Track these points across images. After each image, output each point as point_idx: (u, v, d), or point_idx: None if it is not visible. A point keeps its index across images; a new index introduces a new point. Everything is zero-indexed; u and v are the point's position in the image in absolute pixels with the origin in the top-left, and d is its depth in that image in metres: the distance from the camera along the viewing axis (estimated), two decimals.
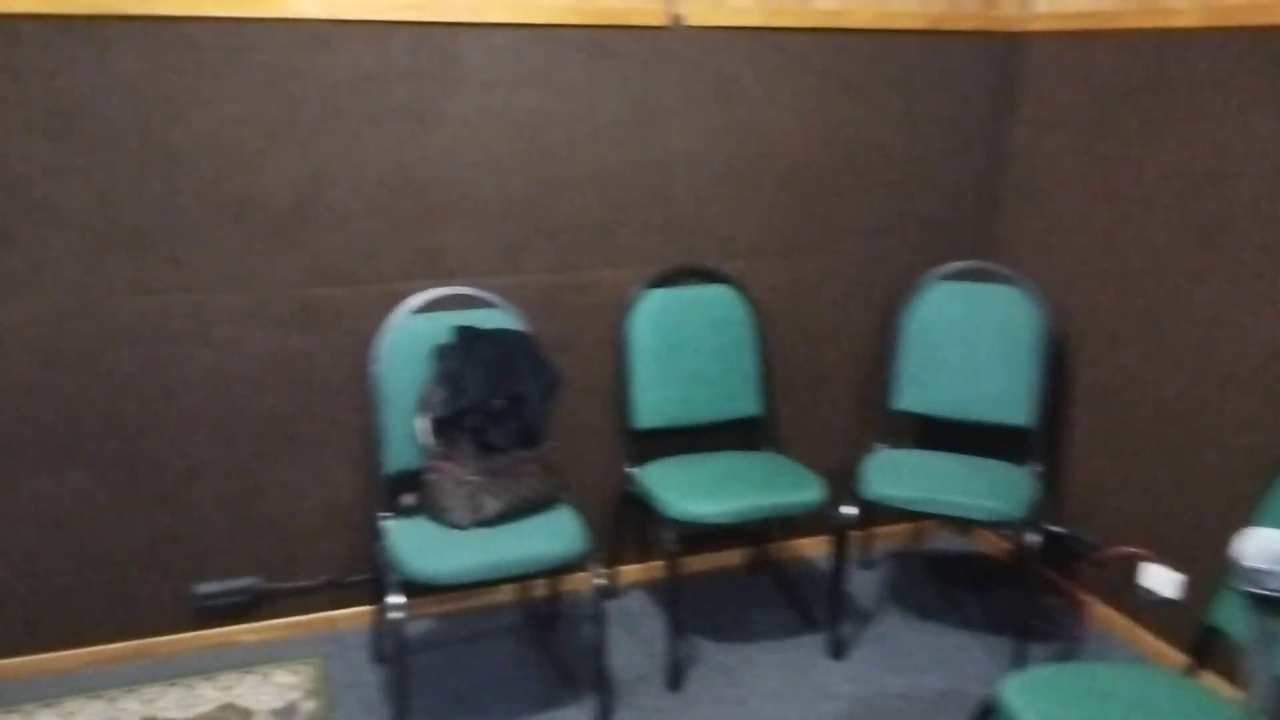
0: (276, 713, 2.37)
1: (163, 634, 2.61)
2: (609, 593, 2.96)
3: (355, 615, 2.76)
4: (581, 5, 2.55)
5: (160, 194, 2.37)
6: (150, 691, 2.44)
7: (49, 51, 2.22)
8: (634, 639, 2.73)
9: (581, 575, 2.93)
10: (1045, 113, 2.90)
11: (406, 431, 2.49)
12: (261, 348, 2.52)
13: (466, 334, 2.47)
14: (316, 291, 2.52)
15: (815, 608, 2.90)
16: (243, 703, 2.40)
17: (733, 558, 3.14)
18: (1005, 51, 2.96)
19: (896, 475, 2.64)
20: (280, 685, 2.48)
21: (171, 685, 2.47)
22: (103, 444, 2.46)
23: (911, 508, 2.55)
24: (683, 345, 2.79)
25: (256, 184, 2.43)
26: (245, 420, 2.55)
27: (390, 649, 2.63)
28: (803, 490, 2.54)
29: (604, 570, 2.95)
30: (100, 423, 2.44)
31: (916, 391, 2.91)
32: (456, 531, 2.33)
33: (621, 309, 2.78)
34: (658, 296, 2.78)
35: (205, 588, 2.61)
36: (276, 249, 2.47)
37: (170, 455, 2.52)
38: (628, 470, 2.78)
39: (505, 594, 2.91)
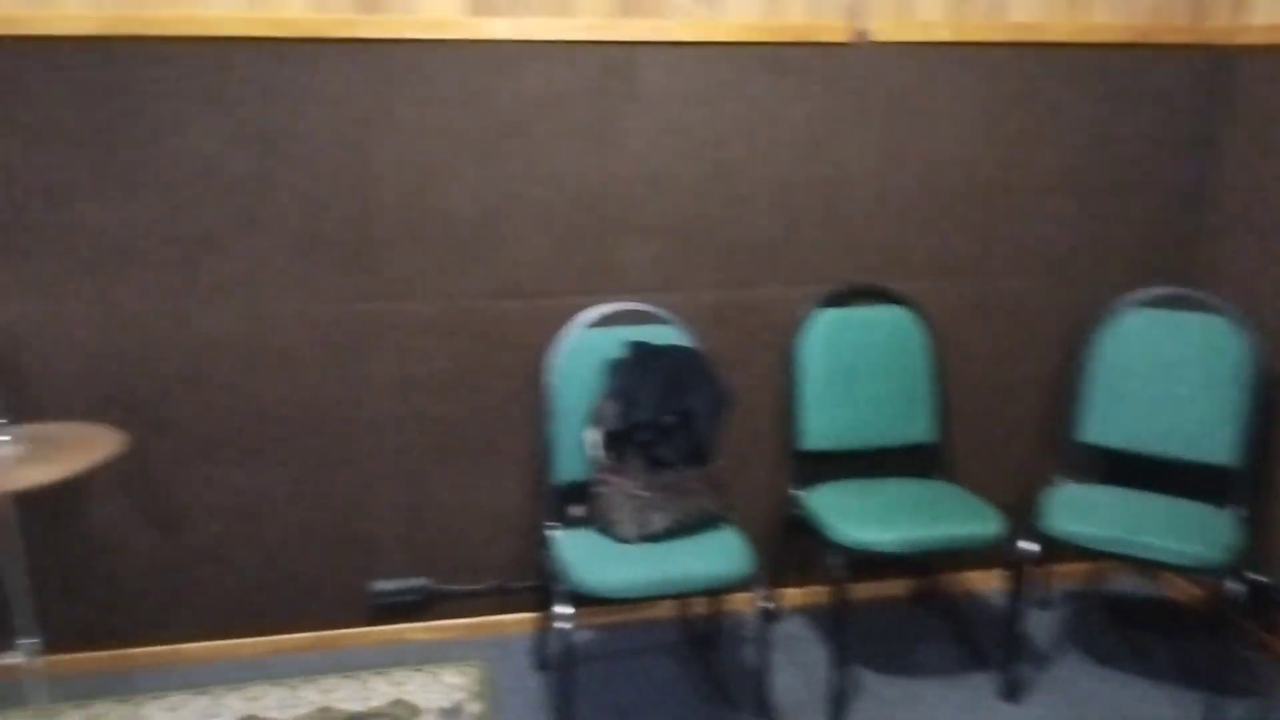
0: (444, 712, 2.43)
1: (340, 627, 2.72)
2: (773, 616, 2.91)
3: (518, 621, 2.81)
4: (765, 23, 2.53)
5: (356, 208, 2.48)
6: (328, 682, 2.55)
7: (260, 72, 2.37)
8: (794, 665, 2.67)
9: (744, 596, 2.90)
10: (1261, 131, 2.69)
11: (576, 443, 2.52)
12: (441, 357, 2.60)
13: (640, 349, 2.48)
14: (495, 304, 2.59)
15: (986, 646, 2.77)
16: (412, 699, 2.48)
17: (897, 587, 3.04)
18: (1215, 66, 2.77)
19: (1083, 512, 2.49)
20: (448, 685, 2.54)
21: (347, 677, 2.57)
22: (294, 444, 2.59)
23: (1100, 548, 2.40)
24: (854, 366, 2.72)
25: (444, 199, 2.51)
26: (423, 426, 2.64)
27: (554, 657, 2.66)
28: (980, 522, 2.44)
29: (768, 593, 2.91)
30: (293, 424, 2.57)
31: (1104, 423, 2.74)
32: (623, 545, 2.34)
33: (792, 327, 2.74)
34: (830, 315, 2.72)
35: (380, 585, 2.71)
36: (460, 262, 2.55)
37: (354, 457, 2.63)
38: (793, 492, 2.73)
39: (664, 609, 2.90)
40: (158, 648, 2.63)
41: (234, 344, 2.50)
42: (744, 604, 2.92)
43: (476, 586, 2.77)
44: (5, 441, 1.70)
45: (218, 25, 2.32)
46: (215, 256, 2.45)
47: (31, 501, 1.78)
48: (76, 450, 1.69)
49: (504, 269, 2.58)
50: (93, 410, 2.43)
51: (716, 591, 2.34)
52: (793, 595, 2.96)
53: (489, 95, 2.47)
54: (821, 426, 2.71)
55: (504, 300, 2.60)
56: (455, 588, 2.76)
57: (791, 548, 2.91)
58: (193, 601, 2.64)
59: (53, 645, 1.89)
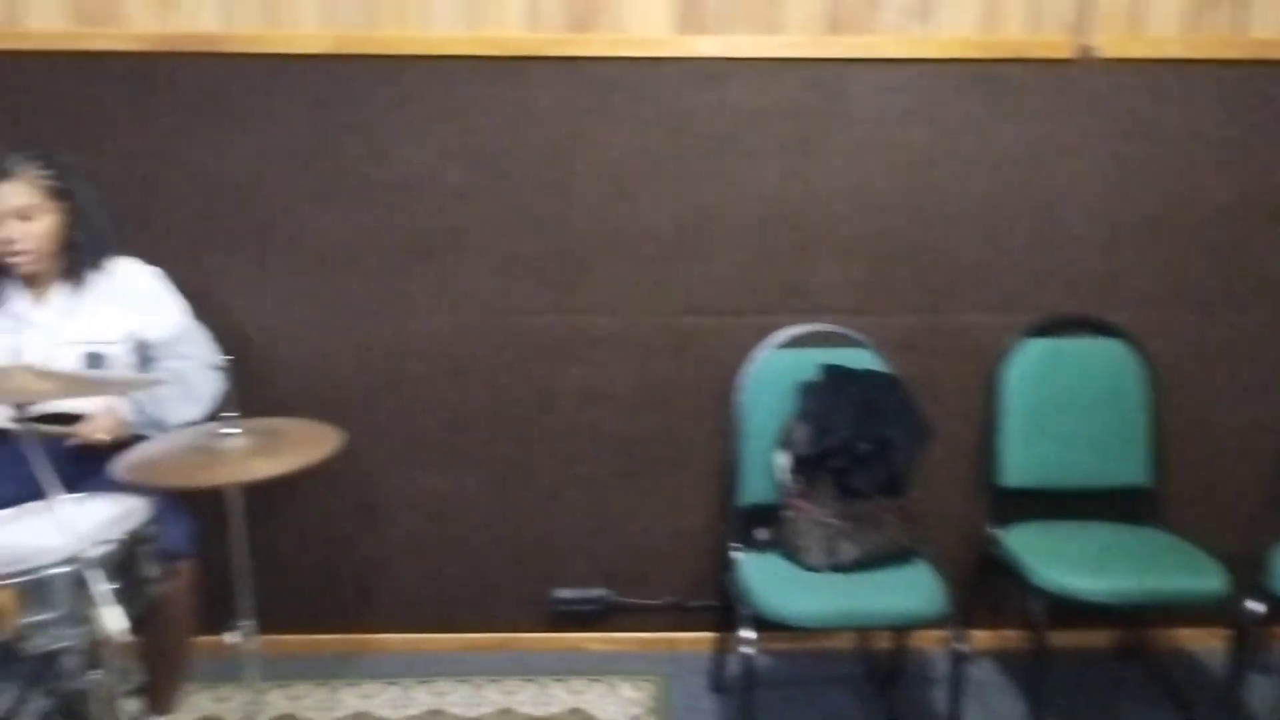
0: None
1: (522, 630, 2.78)
2: (964, 659, 2.78)
3: (694, 639, 2.79)
4: (981, 39, 2.43)
5: (556, 222, 2.54)
6: (510, 684, 2.61)
7: (476, 90, 2.46)
8: (984, 711, 2.54)
9: (932, 635, 2.78)
10: None
11: (764, 466, 2.48)
12: (631, 371, 2.62)
13: (835, 373, 2.42)
14: (687, 320, 2.59)
15: (1199, 710, 2.55)
16: (590, 710, 2.50)
17: (1100, 638, 2.85)
18: None
19: None
20: (625, 699, 2.55)
21: (528, 681, 2.62)
22: (487, 449, 2.66)
23: None
24: (1063, 400, 2.57)
25: (641, 215, 2.53)
26: (611, 439, 2.67)
27: (732, 680, 2.63)
28: (1202, 576, 2.25)
29: (961, 634, 2.78)
30: (487, 429, 2.65)
31: None
32: (811, 573, 2.28)
33: (995, 357, 2.61)
34: (1037, 346, 2.58)
35: (561, 593, 2.75)
36: (653, 278, 2.57)
37: (542, 466, 2.68)
38: (990, 530, 2.60)
39: (845, 639, 2.82)
40: (354, 636, 2.76)
41: (438, 350, 2.60)
42: (931, 642, 2.80)
43: (654, 602, 2.77)
44: (236, 434, 1.81)
45: (440, 45, 2.43)
46: (426, 265, 2.55)
47: (253, 491, 1.92)
48: (300, 446, 1.79)
49: (697, 286, 2.58)
50: (310, 407, 2.57)
51: (905, 628, 2.25)
52: (983, 638, 2.81)
53: (691, 112, 2.47)
54: (1023, 462, 2.57)
55: (695, 317, 2.59)
56: (633, 601, 2.77)
57: (985, 588, 2.77)
58: (388, 595, 2.75)
59: (261, 627, 2.02)
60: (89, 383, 1.97)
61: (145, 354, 2.28)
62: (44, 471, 1.66)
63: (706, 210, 2.53)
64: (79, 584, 1.68)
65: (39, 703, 2.45)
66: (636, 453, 2.68)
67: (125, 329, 2.22)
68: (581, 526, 2.73)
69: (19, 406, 1.69)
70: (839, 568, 2.28)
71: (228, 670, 2.57)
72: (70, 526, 1.65)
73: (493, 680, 2.63)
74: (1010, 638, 2.81)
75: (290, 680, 2.59)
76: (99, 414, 2.15)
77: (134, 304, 2.24)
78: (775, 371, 2.51)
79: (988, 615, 2.80)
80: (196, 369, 2.29)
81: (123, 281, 2.25)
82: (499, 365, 2.62)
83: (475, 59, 2.44)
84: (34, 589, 1.69)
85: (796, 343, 2.56)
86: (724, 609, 2.74)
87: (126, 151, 2.46)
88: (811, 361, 2.48)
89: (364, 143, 2.48)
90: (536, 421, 2.66)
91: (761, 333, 2.58)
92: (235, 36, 2.41)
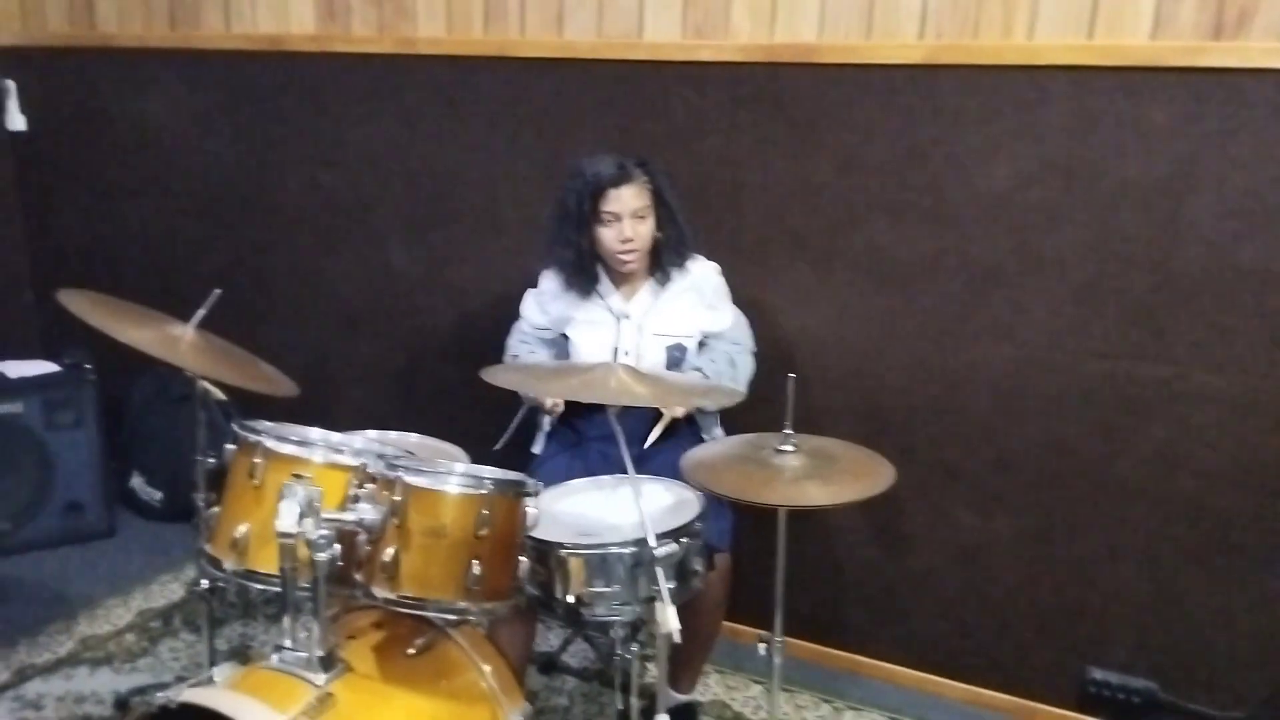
0: None
1: (1042, 701, 2.50)
2: None
3: None
4: None
5: (1156, 258, 2.21)
6: None
7: (1076, 104, 2.21)
8: None
9: None
10: None
11: None
12: (1229, 441, 2.21)
13: None
14: None
15: None
16: None
17: None
18: None
19: None
20: None
21: None
22: (1032, 496, 2.43)
23: None
24: None
25: (1266, 256, 2.11)
26: (1186, 512, 2.28)
27: None
28: None
29: None
30: (1035, 475, 2.41)
31: None
32: None
33: None
34: None
35: (1096, 674, 2.43)
36: (1269, 332, 2.13)
37: (1091, 525, 2.38)
38: None
39: None
40: (861, 659, 2.69)
41: (993, 382, 2.41)
42: None
43: (1217, 713, 2.33)
44: (791, 452, 1.80)
45: (1039, 54, 2.22)
46: (994, 291, 2.37)
47: None
48: (855, 477, 1.74)
49: None
50: (850, 424, 2.54)
51: None
52: None
53: None
54: None
55: None
56: (1188, 705, 2.36)
57: None
58: (900, 625, 2.64)
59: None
60: (676, 389, 2.12)
61: (703, 340, 2.42)
62: (624, 450, 1.79)
63: None
64: (639, 567, 1.80)
65: (578, 647, 2.74)
66: (1218, 534, 2.26)
67: (698, 324, 2.36)
68: (1131, 604, 2.38)
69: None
70: None
71: (738, 656, 2.66)
72: (638, 509, 1.76)
73: None
74: None
75: (794, 686, 2.60)
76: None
77: (704, 300, 2.38)
78: None
79: None
80: (740, 353, 2.42)
81: (697, 279, 2.38)
82: (1060, 409, 2.36)
83: (1084, 69, 2.19)
84: (599, 562, 1.84)
85: None
86: None
87: (717, 156, 2.59)
88: None
89: (945, 158, 2.36)
90: (1094, 477, 2.36)
91: None
92: (831, 47, 2.42)
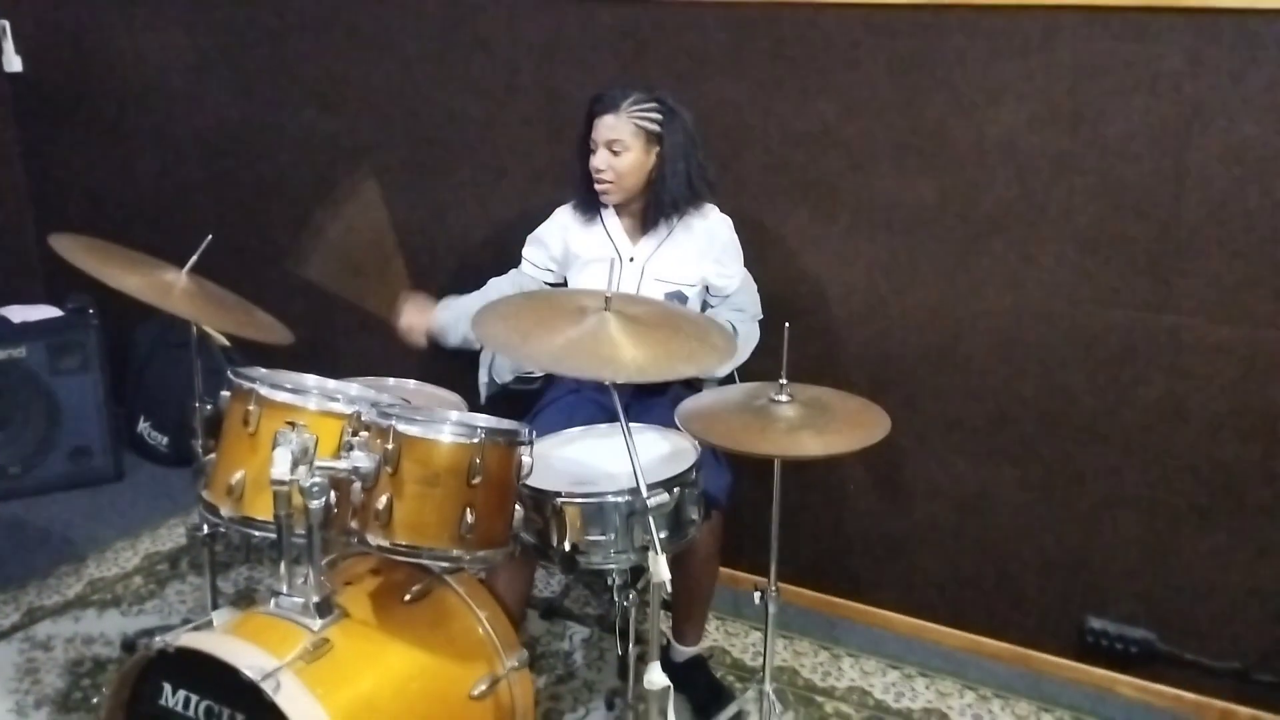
0: None
1: (1041, 651, 2.51)
2: None
3: (1255, 718, 2.32)
4: None
5: (1163, 204, 2.17)
6: (1020, 707, 2.38)
7: (1082, 47, 2.15)
8: None
9: None
10: None
11: None
12: (1230, 390, 2.19)
13: None
14: None
15: None
16: None
17: None
18: None
19: None
20: None
21: (1044, 711, 2.37)
22: (1032, 448, 2.41)
23: None
24: None
25: (1268, 201, 2.07)
26: (1187, 464, 2.27)
27: None
28: None
29: None
30: (1036, 427, 2.40)
31: None
32: None
33: None
34: None
35: (1095, 623, 2.43)
36: (1276, 280, 2.10)
37: (1095, 478, 2.37)
38: None
39: None
40: (861, 606, 2.70)
41: (996, 333, 2.39)
42: None
43: (1208, 661, 2.34)
44: (787, 402, 1.79)
45: None
46: (998, 239, 2.34)
47: None
48: (850, 428, 1.73)
49: None
50: (850, 372, 2.53)
51: None
52: None
53: None
54: None
55: None
56: (1182, 654, 2.37)
57: None
58: (900, 575, 2.65)
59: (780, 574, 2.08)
60: (673, 315, 2.02)
61: (705, 301, 2.37)
62: (617, 404, 1.77)
63: None
64: (633, 516, 1.79)
65: (580, 593, 2.76)
66: (1218, 485, 2.25)
67: (701, 274, 2.31)
68: (1131, 555, 2.38)
69: None
70: None
71: (737, 604, 2.69)
72: (632, 458, 1.75)
73: (1000, 695, 2.42)
74: None
75: (793, 633, 2.62)
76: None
77: (711, 253, 2.32)
78: None
79: None
80: (745, 321, 2.35)
81: (707, 229, 2.31)
82: (1062, 359, 2.34)
83: (1091, 10, 2.13)
84: (595, 511, 1.84)
85: None
86: None
87: (718, 99, 2.54)
88: None
89: (948, 102, 2.31)
90: (1096, 429, 2.34)
91: None
92: None
